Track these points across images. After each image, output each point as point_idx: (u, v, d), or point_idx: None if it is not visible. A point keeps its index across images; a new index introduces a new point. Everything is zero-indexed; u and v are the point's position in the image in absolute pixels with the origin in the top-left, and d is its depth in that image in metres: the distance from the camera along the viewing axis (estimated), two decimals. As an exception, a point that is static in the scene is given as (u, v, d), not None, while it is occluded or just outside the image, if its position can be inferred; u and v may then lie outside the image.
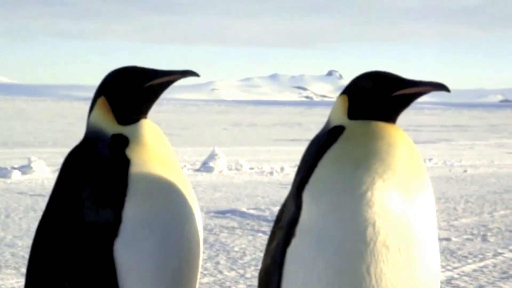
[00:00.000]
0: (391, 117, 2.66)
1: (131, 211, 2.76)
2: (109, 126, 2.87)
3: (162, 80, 2.90)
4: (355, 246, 2.49)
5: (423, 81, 2.64)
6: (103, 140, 2.84)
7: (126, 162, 2.80)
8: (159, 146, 2.91)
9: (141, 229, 2.77)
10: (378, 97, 2.63)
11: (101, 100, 2.90)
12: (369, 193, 2.50)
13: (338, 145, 2.59)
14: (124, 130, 2.87)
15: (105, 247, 2.75)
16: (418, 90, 2.63)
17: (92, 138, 2.88)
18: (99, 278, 2.74)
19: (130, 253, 2.75)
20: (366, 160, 2.54)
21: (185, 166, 16.93)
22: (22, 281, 6.21)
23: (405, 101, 2.65)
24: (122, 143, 2.83)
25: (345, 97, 2.69)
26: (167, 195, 2.84)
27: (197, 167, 16.61)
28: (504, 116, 75.53)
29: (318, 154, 2.60)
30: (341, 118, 2.67)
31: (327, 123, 2.72)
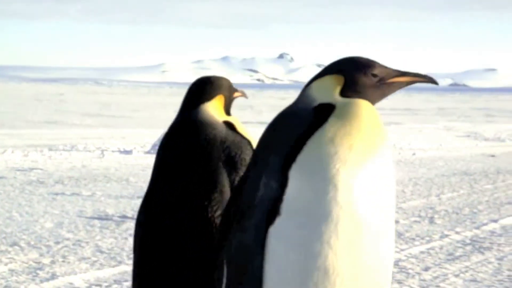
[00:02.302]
0: (376, 100, 2.82)
1: None
2: (220, 115, 3.53)
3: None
4: (350, 225, 2.55)
5: (414, 72, 2.87)
6: (218, 123, 3.47)
7: (250, 142, 3.41)
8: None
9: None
10: (374, 82, 2.79)
11: (219, 97, 3.59)
12: (363, 172, 2.60)
13: (330, 124, 2.66)
14: (229, 118, 3.56)
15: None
16: (410, 79, 2.85)
17: (205, 121, 3.47)
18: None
19: None
20: (359, 140, 2.63)
21: (135, 148, 16.87)
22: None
23: (394, 88, 2.85)
24: (233, 127, 3.47)
25: (341, 77, 2.76)
26: None
27: (147, 149, 16.57)
28: (453, 100, 76.46)
29: (307, 131, 2.64)
30: (331, 97, 2.74)
31: (309, 100, 2.75)
